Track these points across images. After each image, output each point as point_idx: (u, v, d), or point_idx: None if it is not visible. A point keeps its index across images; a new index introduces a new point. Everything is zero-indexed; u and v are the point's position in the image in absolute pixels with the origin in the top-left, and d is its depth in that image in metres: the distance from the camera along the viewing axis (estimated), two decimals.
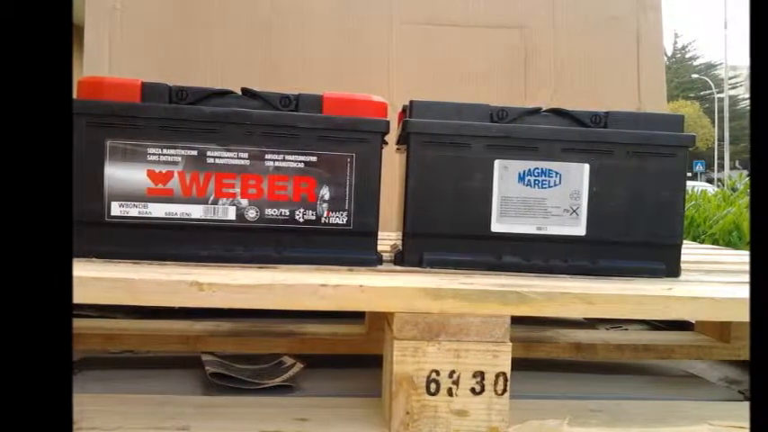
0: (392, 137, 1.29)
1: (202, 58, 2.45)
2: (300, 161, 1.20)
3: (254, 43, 2.48)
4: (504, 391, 1.01)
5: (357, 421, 1.06)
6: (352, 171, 1.21)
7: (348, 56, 2.52)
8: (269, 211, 1.20)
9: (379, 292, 1.00)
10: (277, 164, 1.20)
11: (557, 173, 1.24)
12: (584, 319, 1.94)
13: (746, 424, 1.04)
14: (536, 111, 1.26)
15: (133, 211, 1.17)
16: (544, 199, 1.24)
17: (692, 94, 45.38)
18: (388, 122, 1.23)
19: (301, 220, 1.21)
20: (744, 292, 1.09)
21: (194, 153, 1.18)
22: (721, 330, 1.66)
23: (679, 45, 49.99)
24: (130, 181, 1.17)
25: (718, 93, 39.91)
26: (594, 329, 1.91)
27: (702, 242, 3.84)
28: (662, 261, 1.27)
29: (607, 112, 1.26)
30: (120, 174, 1.17)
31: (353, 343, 1.58)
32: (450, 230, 1.24)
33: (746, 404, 1.08)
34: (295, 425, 1.03)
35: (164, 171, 1.18)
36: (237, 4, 2.49)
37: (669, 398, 1.36)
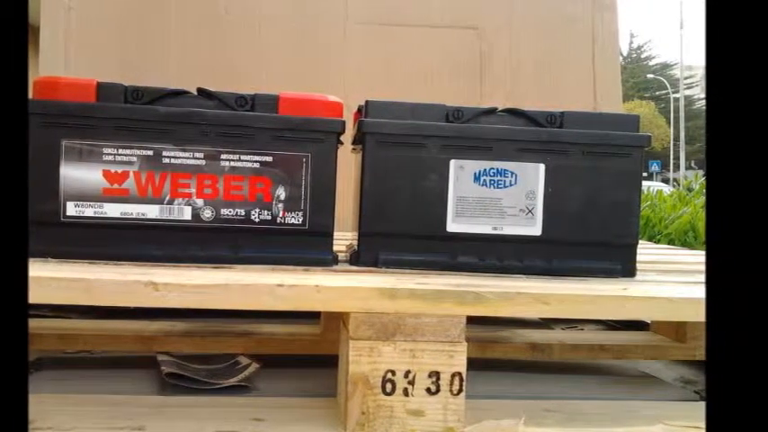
0: (348, 137, 1.29)
1: (158, 58, 2.44)
2: (256, 161, 1.20)
3: (210, 43, 2.48)
4: (460, 391, 1.02)
5: (313, 421, 1.06)
6: (308, 171, 1.21)
7: (304, 56, 2.53)
8: (224, 211, 1.20)
9: (334, 292, 1.00)
10: (233, 164, 1.20)
11: (512, 173, 1.24)
12: (540, 318, 1.95)
13: (702, 424, 1.04)
14: (492, 111, 1.27)
15: (89, 211, 1.17)
16: (500, 199, 1.24)
17: (647, 94, 45.71)
18: (343, 122, 1.23)
19: (257, 220, 1.21)
20: (699, 292, 1.10)
21: (150, 153, 1.18)
22: (677, 330, 1.67)
23: (635, 45, 50.44)
24: (86, 181, 1.16)
25: (673, 93, 40.17)
26: (550, 329, 1.92)
27: (658, 242, 3.87)
28: (618, 261, 1.28)
29: (562, 113, 1.27)
30: (75, 174, 1.16)
31: (309, 343, 1.58)
32: (406, 230, 1.24)
33: (702, 404, 1.09)
34: (251, 425, 1.03)
35: (119, 171, 1.17)
36: (193, 3, 2.49)
37: (625, 398, 1.38)
